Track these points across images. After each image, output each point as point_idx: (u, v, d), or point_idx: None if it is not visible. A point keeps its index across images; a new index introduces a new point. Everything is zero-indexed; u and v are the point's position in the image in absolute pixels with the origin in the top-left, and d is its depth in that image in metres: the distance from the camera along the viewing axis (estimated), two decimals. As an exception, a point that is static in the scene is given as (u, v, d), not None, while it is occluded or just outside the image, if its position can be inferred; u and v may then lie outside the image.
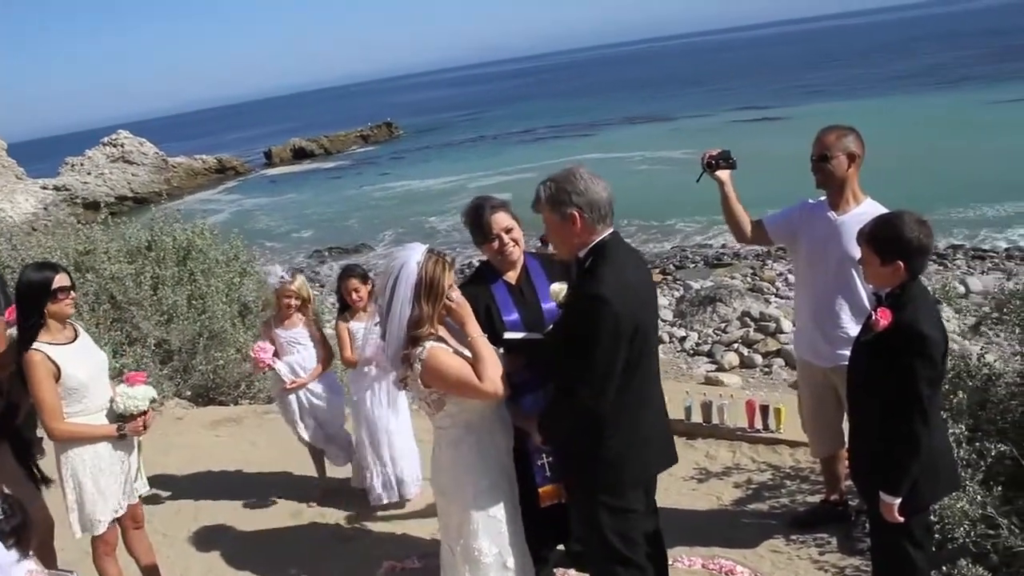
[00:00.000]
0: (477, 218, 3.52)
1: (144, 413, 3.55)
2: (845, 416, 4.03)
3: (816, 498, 4.49)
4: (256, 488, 5.43)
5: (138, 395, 3.49)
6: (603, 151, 36.74)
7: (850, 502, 4.21)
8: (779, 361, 11.25)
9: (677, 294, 16.16)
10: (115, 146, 43.50)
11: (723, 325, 13.29)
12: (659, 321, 14.39)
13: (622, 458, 2.95)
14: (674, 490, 4.74)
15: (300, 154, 53.43)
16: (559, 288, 3.19)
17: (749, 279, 17.37)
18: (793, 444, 5.03)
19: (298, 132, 63.85)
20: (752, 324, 12.62)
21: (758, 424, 5.24)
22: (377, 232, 27.69)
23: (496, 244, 3.50)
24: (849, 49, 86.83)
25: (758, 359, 11.41)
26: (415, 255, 2.92)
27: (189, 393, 7.47)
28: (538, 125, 53.18)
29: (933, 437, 2.88)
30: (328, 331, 5.35)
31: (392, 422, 4.88)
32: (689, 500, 4.72)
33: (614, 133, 44.82)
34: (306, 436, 5.02)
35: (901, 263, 2.81)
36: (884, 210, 3.63)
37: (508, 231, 3.52)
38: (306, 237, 28.97)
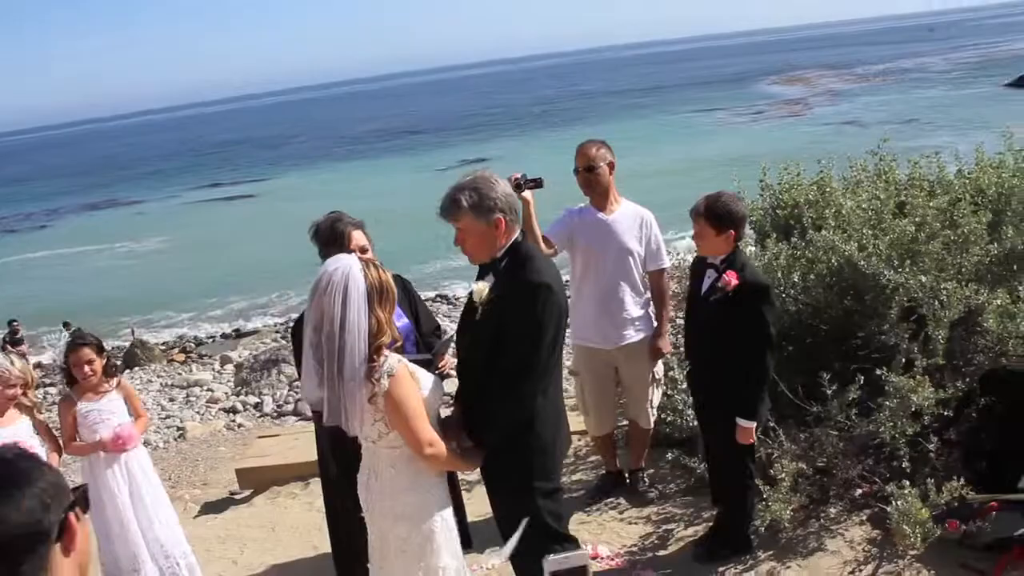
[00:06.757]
0: (333, 234, 3.41)
1: None
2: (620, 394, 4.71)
3: (579, 476, 5.06)
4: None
5: None
6: (63, 246, 32.76)
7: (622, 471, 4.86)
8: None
9: (220, 367, 15.53)
10: None
11: (298, 382, 13.24)
12: (226, 393, 13.84)
13: (552, 443, 3.12)
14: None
15: None
16: (482, 287, 3.21)
17: (284, 339, 17.52)
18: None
19: None
20: (329, 375, 12.84)
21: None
22: None
23: None
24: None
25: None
26: (353, 264, 2.71)
27: None
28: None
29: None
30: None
31: (154, 503, 4.16)
32: (472, 509, 4.87)
33: (73, 222, 40.24)
34: None
35: (732, 232, 3.55)
36: (642, 208, 4.43)
37: (363, 251, 3.45)
38: None
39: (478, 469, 3.17)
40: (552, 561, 2.87)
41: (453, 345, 4.28)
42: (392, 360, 2.71)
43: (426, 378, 2.87)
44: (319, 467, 3.82)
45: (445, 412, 3.21)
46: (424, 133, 59.22)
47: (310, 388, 2.80)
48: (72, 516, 1.35)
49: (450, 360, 3.67)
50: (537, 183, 3.97)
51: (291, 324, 18.42)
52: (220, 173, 50.39)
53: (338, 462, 3.52)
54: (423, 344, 3.73)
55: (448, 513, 2.95)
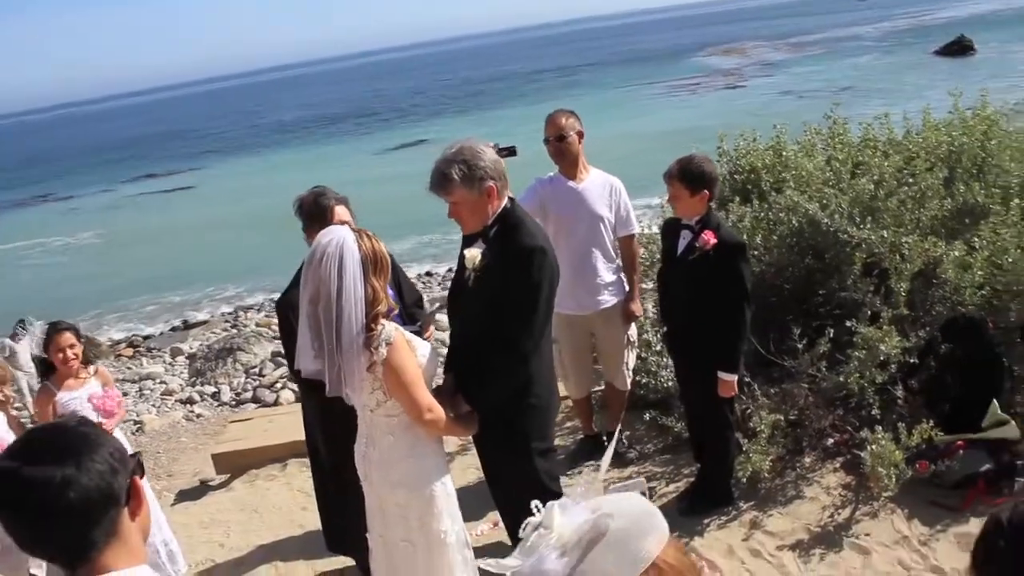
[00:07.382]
0: (317, 208, 3.41)
1: None
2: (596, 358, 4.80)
3: (558, 440, 5.11)
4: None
5: None
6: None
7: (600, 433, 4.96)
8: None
9: (172, 359, 15.27)
10: None
11: (255, 369, 13.12)
12: (181, 385, 13.60)
13: (548, 403, 3.20)
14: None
15: None
16: (474, 253, 3.22)
17: (235, 328, 17.27)
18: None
19: None
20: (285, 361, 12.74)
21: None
22: None
23: None
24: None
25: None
26: (347, 234, 2.72)
27: None
28: None
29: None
30: None
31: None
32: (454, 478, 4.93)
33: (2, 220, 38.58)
34: None
35: (707, 192, 3.63)
36: (610, 175, 4.49)
37: None
38: None
39: (469, 436, 3.21)
40: (612, 490, 2.91)
41: (438, 317, 4.31)
42: (389, 328, 2.73)
43: (422, 346, 2.90)
44: (306, 441, 3.82)
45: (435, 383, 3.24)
46: (360, 117, 58.05)
47: (306, 360, 2.79)
48: (137, 480, 1.36)
49: (435, 331, 3.70)
50: (511, 151, 3.90)
51: (239, 313, 18.26)
52: (156, 164, 48.74)
53: (325, 434, 3.54)
54: (406, 316, 3.74)
55: (448, 479, 3.00)
